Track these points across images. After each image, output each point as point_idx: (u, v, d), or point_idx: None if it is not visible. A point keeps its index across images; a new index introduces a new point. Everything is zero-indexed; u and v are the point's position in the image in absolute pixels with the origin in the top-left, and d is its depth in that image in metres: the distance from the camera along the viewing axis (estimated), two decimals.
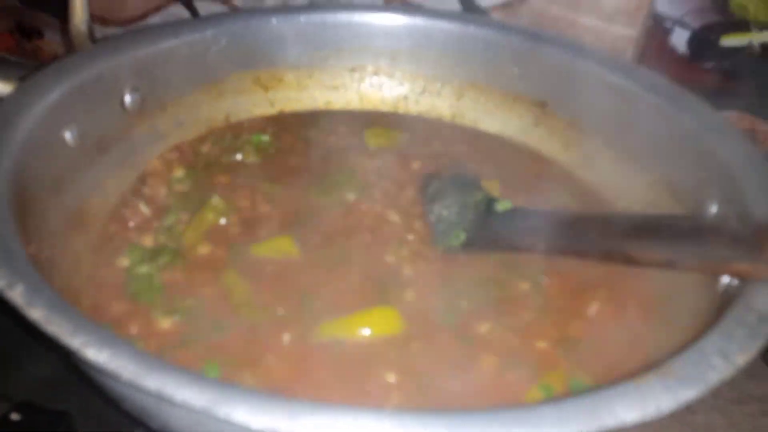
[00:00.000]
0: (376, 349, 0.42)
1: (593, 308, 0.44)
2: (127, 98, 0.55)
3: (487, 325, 0.44)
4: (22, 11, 0.99)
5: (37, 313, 0.27)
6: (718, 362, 0.28)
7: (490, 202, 0.52)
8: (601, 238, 0.42)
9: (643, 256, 0.39)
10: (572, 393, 0.39)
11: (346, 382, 0.40)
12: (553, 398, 0.26)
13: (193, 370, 0.26)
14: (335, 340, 0.43)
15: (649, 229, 0.40)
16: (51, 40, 1.02)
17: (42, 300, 0.28)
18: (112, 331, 0.28)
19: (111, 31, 0.90)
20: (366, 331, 0.43)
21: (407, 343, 0.43)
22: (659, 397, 0.26)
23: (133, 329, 0.42)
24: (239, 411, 0.24)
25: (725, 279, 0.38)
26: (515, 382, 0.40)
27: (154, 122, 0.59)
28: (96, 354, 0.26)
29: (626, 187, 0.57)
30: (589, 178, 0.61)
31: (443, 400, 0.39)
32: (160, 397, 0.24)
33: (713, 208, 0.46)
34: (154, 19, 0.90)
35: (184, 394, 0.24)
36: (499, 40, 0.65)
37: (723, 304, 0.37)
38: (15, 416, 0.46)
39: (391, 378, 0.41)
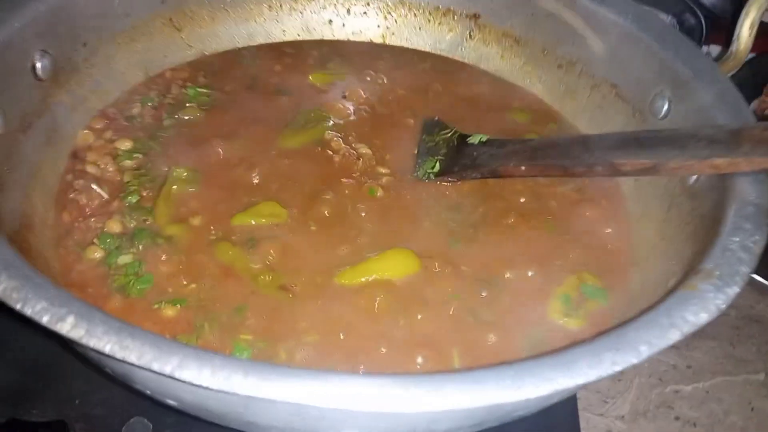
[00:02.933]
0: (402, 289, 0.43)
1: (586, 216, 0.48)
2: (38, 64, 0.47)
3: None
4: None
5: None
6: (743, 255, 0.32)
7: (461, 136, 0.54)
8: (586, 154, 0.44)
9: (628, 165, 0.42)
10: (587, 297, 0.43)
11: (381, 323, 0.41)
12: (620, 323, 0.28)
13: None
14: (356, 286, 0.43)
15: (631, 141, 0.43)
16: None
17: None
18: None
19: None
20: (384, 274, 0.44)
21: (429, 281, 0.44)
22: (716, 298, 0.30)
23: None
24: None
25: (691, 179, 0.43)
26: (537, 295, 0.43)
27: (70, 87, 0.51)
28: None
29: (569, 92, 0.60)
30: (530, 88, 0.63)
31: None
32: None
33: (664, 107, 0.50)
34: None
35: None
36: None
37: (695, 200, 0.42)
38: None
39: (422, 314, 0.42)
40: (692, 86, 0.47)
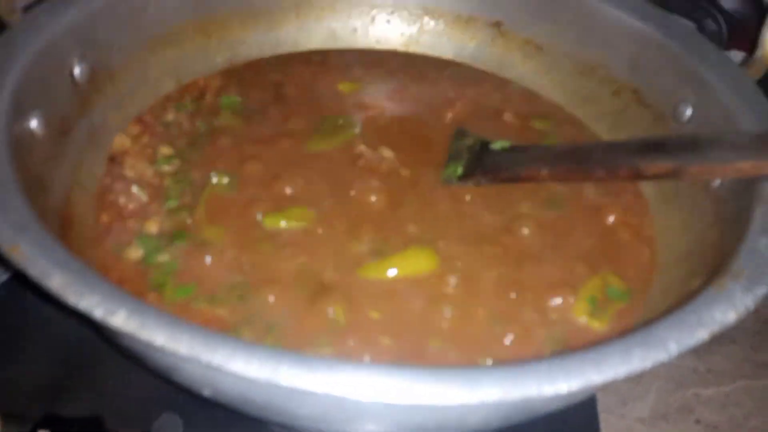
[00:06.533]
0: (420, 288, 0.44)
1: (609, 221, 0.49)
2: (76, 70, 0.49)
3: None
4: None
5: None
6: None
7: (484, 143, 0.55)
8: (609, 158, 0.45)
9: (652, 169, 0.43)
10: (611, 299, 0.44)
11: (398, 322, 0.42)
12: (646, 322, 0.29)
13: None
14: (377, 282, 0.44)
15: (655, 146, 0.44)
16: None
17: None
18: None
19: None
20: (403, 271, 0.45)
21: (445, 277, 0.45)
22: (744, 298, 0.30)
23: None
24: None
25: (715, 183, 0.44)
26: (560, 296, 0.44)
27: (106, 92, 0.53)
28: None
29: (591, 97, 0.61)
30: (551, 95, 0.64)
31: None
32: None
33: (687, 112, 0.51)
34: None
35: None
36: None
37: (719, 204, 0.43)
38: None
39: (448, 313, 0.43)
40: (717, 92, 0.48)
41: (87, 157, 0.49)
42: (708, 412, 0.60)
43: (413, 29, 0.69)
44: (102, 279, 0.29)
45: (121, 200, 0.47)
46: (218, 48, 0.63)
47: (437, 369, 0.26)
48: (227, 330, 0.40)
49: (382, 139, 0.57)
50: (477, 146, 0.55)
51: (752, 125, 0.44)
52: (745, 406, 0.59)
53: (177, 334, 0.26)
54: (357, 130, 0.57)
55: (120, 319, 0.27)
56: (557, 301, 0.44)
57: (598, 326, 0.43)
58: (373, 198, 0.51)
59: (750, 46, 0.54)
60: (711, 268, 0.39)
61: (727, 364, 0.62)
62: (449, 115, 0.60)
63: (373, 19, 0.68)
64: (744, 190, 0.40)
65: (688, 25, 0.54)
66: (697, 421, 0.59)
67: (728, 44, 0.75)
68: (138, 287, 0.42)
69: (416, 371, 0.26)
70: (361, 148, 0.55)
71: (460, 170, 0.53)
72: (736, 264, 0.33)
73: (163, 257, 0.44)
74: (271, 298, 0.42)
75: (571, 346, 0.41)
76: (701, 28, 0.75)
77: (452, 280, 0.45)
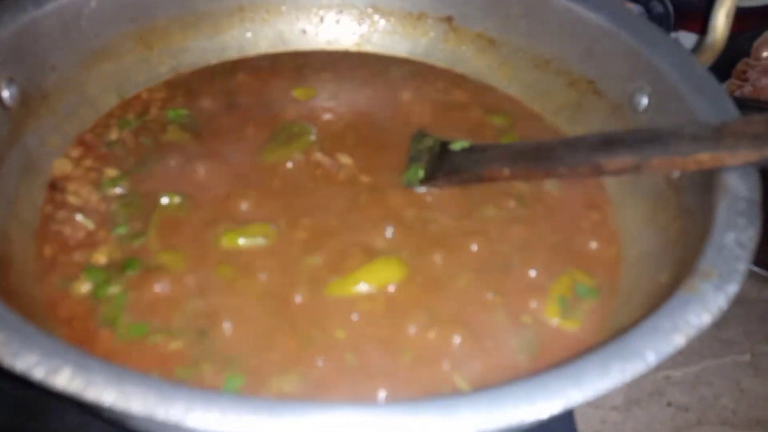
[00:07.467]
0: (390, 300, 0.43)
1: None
2: (5, 93, 0.46)
3: None
4: None
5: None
6: (740, 252, 0.32)
7: (443, 144, 0.53)
8: (569, 155, 0.44)
9: (613, 164, 0.42)
10: (581, 297, 0.43)
11: (368, 336, 0.40)
12: (619, 331, 0.28)
13: None
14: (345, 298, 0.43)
15: (615, 140, 0.43)
16: None
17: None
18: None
19: None
20: (372, 283, 0.43)
21: (414, 288, 0.44)
22: (716, 298, 0.30)
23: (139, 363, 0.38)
24: None
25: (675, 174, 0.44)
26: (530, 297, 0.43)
27: (41, 115, 0.50)
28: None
29: (547, 90, 0.60)
30: (507, 90, 0.63)
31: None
32: None
33: (644, 101, 0.51)
34: None
35: None
36: None
37: (681, 194, 0.43)
38: None
39: (418, 325, 0.41)
40: (671, 80, 0.48)
41: (24, 187, 0.46)
42: (679, 394, 0.61)
43: (364, 28, 0.67)
44: (41, 333, 0.26)
45: (65, 230, 0.44)
46: (160, 58, 0.60)
47: (408, 404, 0.25)
48: (186, 365, 0.38)
49: (340, 145, 0.55)
50: (437, 147, 0.54)
51: (707, 113, 0.44)
52: (715, 386, 0.60)
53: (127, 390, 0.24)
54: (313, 138, 0.54)
55: (64, 378, 0.24)
56: (528, 304, 0.43)
57: (571, 327, 0.42)
58: (334, 209, 0.49)
59: (700, 27, 0.54)
60: (678, 261, 0.39)
61: (694, 344, 0.62)
62: (407, 116, 0.59)
63: (321, 19, 0.66)
64: (704, 181, 0.40)
65: (637, 10, 0.54)
66: (669, 404, 0.60)
67: (677, 26, 0.75)
68: (88, 324, 0.40)
69: (385, 409, 0.24)
70: (319, 156, 0.53)
71: (421, 173, 0.52)
72: (705, 262, 0.32)
73: (113, 289, 0.41)
74: (232, 326, 0.40)
75: (546, 351, 0.40)
76: (648, 11, 0.75)
77: (420, 290, 0.43)
